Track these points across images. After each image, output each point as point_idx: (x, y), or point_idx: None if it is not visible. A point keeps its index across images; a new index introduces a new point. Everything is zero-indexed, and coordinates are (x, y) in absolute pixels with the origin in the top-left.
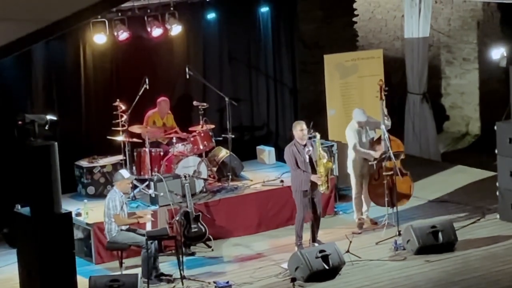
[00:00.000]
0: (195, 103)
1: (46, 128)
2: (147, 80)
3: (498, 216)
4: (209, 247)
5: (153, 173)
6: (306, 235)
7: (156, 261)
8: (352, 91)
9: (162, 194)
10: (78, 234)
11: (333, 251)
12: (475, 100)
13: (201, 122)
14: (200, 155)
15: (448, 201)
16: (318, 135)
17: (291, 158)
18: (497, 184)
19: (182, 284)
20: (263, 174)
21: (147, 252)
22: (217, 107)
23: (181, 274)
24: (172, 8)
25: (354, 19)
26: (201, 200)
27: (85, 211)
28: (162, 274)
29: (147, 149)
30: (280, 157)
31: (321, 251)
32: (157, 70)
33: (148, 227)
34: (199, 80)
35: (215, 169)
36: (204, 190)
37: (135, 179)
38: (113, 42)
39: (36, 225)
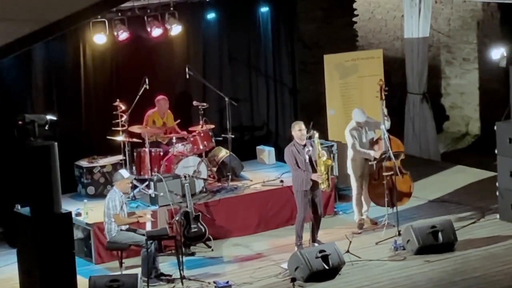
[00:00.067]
0: (195, 103)
1: (46, 128)
2: (147, 80)
3: (498, 216)
4: (209, 247)
5: (153, 173)
6: (306, 235)
7: (156, 261)
8: (352, 91)
9: (162, 194)
10: (78, 234)
11: (333, 251)
12: (475, 100)
13: (201, 122)
14: (200, 155)
15: (448, 201)
16: (316, 134)
17: (291, 158)
18: (497, 184)
19: (182, 284)
20: (263, 174)
21: (147, 251)
22: (217, 107)
23: (181, 274)
24: (172, 8)
25: (354, 19)
26: (201, 200)
27: (85, 211)
28: (162, 274)
29: (147, 149)
30: (280, 157)
31: (321, 251)
32: (157, 70)
33: (148, 227)
34: (199, 80)
35: (215, 169)
36: (204, 190)
37: (135, 179)
38: (113, 42)
39: (36, 225)
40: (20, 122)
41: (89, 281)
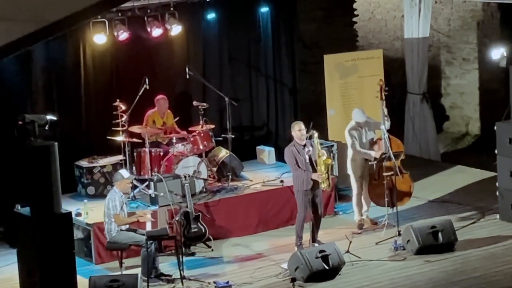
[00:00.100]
0: (195, 103)
1: (46, 128)
2: (147, 80)
3: (498, 216)
4: (209, 247)
5: (153, 173)
6: (306, 235)
7: (156, 261)
8: (352, 91)
9: (162, 194)
10: (78, 234)
11: (333, 251)
12: (475, 100)
13: (201, 122)
14: (200, 155)
15: (448, 201)
16: (316, 134)
17: (291, 158)
18: (497, 184)
19: (182, 284)
20: (263, 174)
21: (147, 252)
22: (217, 107)
23: (181, 274)
24: (172, 8)
25: (354, 19)
26: (201, 200)
27: (85, 211)
28: (162, 274)
29: (147, 149)
30: (280, 157)
31: (321, 251)
32: (157, 70)
33: (148, 227)
34: (199, 80)
35: (215, 169)
36: (204, 190)
37: (135, 179)
38: (113, 42)
39: (36, 225)
40: (20, 122)
41: (89, 281)
